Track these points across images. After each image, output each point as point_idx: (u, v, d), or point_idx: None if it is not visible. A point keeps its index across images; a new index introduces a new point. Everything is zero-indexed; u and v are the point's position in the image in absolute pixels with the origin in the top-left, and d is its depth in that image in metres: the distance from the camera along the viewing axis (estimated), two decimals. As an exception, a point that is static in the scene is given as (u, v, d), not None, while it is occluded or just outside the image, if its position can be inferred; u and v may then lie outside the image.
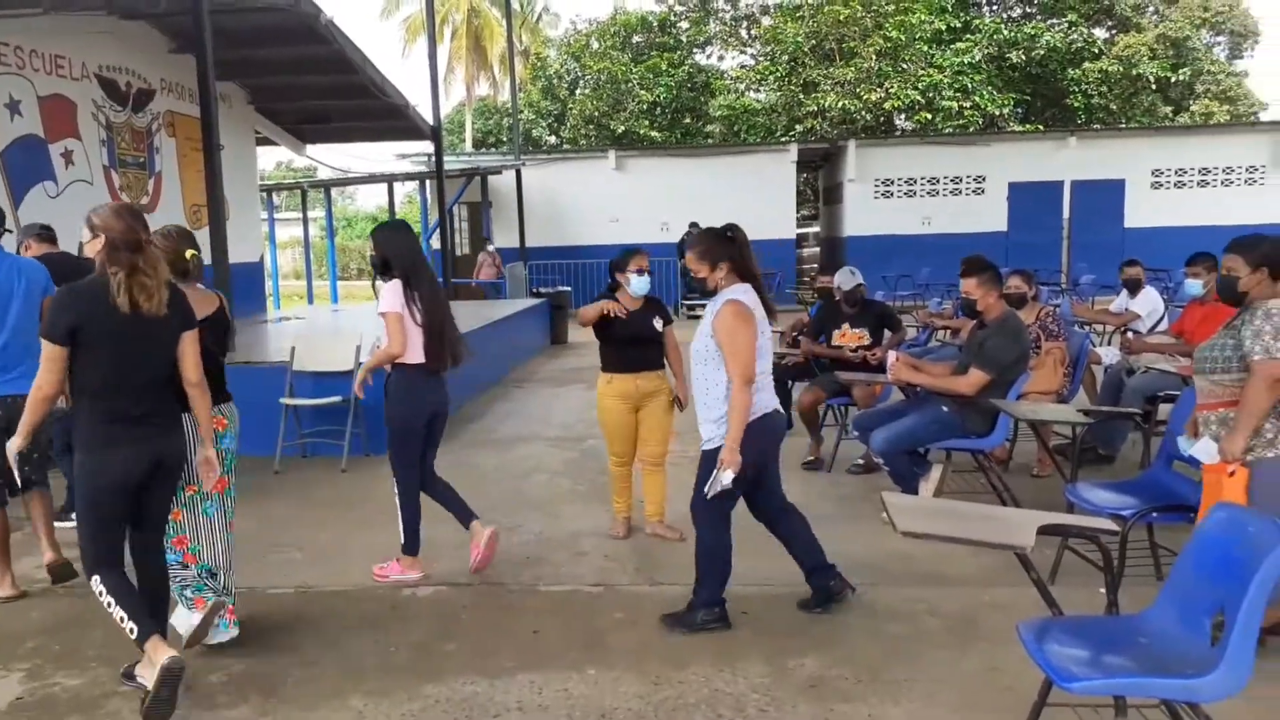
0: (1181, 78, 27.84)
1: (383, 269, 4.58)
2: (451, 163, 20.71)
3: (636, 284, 5.13)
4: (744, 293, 3.99)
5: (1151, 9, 30.99)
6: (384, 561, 4.83)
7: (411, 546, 4.75)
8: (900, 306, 15.77)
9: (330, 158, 34.50)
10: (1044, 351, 6.27)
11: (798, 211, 30.06)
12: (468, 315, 12.34)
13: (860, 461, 6.60)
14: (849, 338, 6.84)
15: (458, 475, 6.94)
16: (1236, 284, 3.73)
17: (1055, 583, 4.40)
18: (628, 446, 5.27)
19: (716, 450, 3.95)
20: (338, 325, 13.02)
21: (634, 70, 28.51)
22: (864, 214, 21.14)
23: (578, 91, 31.27)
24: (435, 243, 16.93)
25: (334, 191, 23.10)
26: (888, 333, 6.84)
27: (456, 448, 7.86)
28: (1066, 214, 20.75)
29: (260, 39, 10.75)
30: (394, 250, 4.58)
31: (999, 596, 4.29)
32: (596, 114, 29.07)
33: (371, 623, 4.29)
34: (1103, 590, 3.52)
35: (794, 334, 7.59)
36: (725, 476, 3.89)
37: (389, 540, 4.98)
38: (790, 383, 7.58)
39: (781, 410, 4.13)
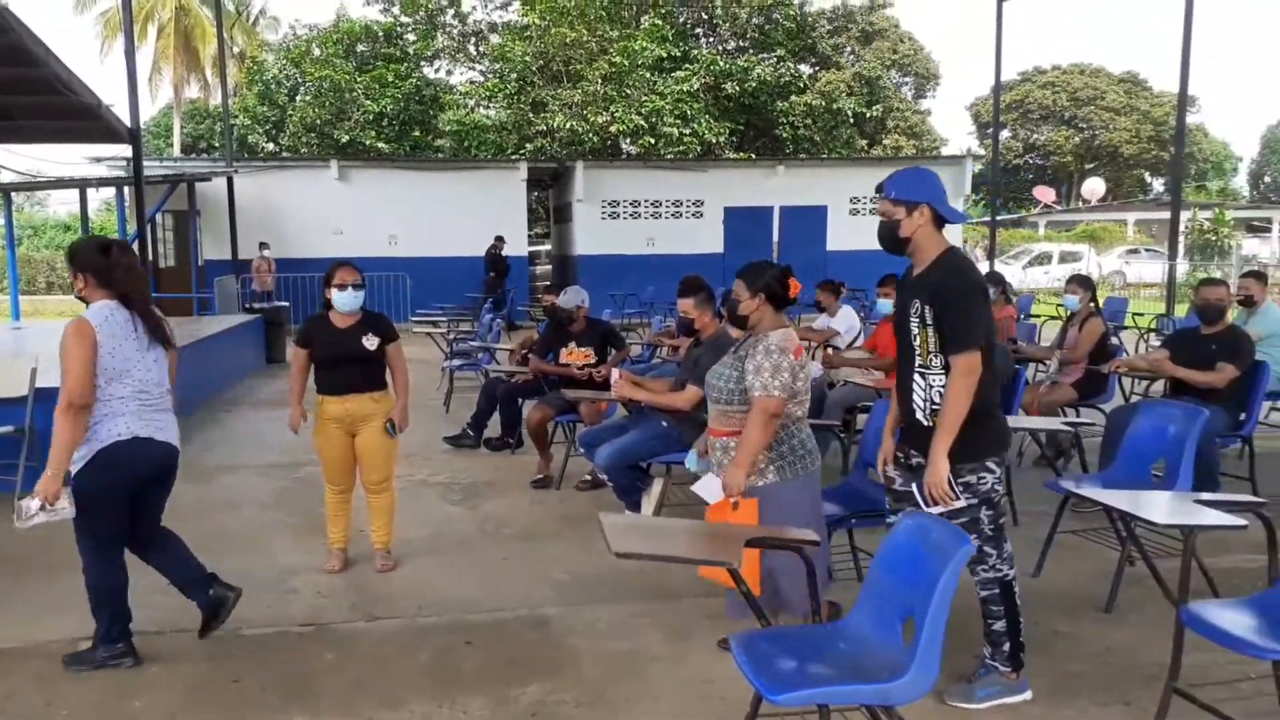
0: (875, 114, 30.52)
1: None
2: (154, 168, 19.10)
3: (340, 299, 4.83)
4: (101, 311, 3.73)
5: (849, 49, 33.81)
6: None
7: None
8: (627, 324, 16.20)
9: (12, 160, 31.01)
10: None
11: (531, 229, 30.20)
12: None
13: (588, 477, 6.64)
14: (575, 356, 6.88)
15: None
16: (738, 307, 3.86)
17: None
18: (344, 474, 4.99)
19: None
20: (16, 345, 11.66)
21: (358, 80, 27.65)
22: (593, 233, 21.55)
23: (298, 98, 29.88)
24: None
25: (19, 197, 20.72)
26: (612, 350, 6.95)
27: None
28: (776, 237, 22.14)
29: (-86, 21, 9.42)
30: None
31: (716, 606, 4.40)
32: (319, 122, 27.95)
33: (42, 682, 3.79)
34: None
35: (523, 352, 7.55)
36: (31, 504, 3.60)
37: (60, 591, 4.45)
38: (520, 400, 7.55)
39: (154, 438, 3.85)
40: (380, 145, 27.70)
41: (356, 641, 4.17)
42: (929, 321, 3.34)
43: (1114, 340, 7.37)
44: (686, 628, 4.27)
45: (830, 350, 8.23)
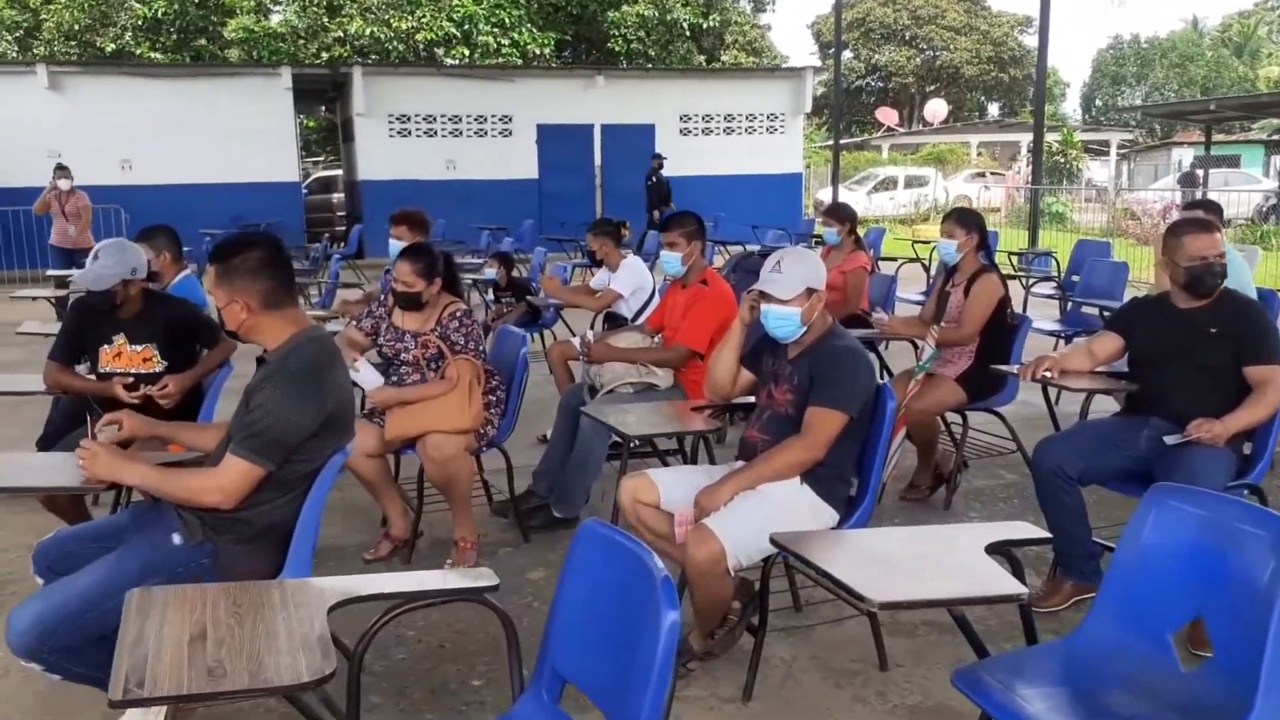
0: (712, 23, 27.82)
1: None
2: None
3: None
4: None
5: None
6: None
7: None
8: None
9: None
10: (446, 372, 3.86)
11: (324, 151, 26.44)
12: None
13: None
14: (126, 359, 3.95)
15: None
16: None
17: None
18: None
19: None
20: None
21: (122, -23, 23.52)
22: (378, 155, 18.13)
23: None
24: None
25: None
26: (204, 351, 4.05)
27: None
28: (599, 160, 19.31)
29: None
30: None
31: None
32: (77, 28, 23.53)
33: None
34: None
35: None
36: None
37: None
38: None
39: None
40: (155, 56, 23.57)
41: None
42: None
43: (1012, 309, 4.92)
44: None
45: (602, 329, 5.52)
